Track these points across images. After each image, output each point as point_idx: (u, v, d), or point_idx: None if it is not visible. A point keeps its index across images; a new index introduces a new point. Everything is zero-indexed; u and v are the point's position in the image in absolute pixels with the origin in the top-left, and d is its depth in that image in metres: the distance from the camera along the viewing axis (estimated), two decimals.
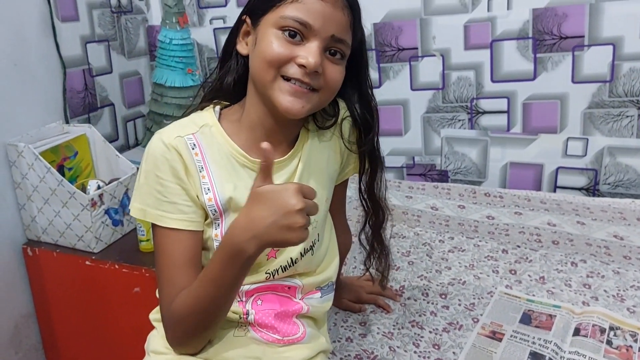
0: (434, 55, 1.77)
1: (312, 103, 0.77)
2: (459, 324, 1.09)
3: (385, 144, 1.86)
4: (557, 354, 0.99)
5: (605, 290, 1.18)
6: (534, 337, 1.04)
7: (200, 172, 0.79)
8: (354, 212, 1.21)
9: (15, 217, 1.43)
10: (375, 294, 1.16)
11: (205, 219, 0.81)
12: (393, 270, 1.27)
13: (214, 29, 2.00)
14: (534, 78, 1.69)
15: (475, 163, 1.84)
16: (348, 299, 1.14)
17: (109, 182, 1.42)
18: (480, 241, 1.40)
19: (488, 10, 1.68)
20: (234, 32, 0.84)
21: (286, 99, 0.76)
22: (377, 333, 1.07)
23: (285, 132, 0.85)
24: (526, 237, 1.42)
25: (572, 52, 1.63)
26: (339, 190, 0.99)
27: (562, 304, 1.14)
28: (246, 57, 0.82)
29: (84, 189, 1.38)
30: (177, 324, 0.78)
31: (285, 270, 0.85)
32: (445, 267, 1.30)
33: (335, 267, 0.94)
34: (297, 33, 0.75)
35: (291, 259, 0.84)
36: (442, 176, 1.89)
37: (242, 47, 0.83)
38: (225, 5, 1.95)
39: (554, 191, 1.76)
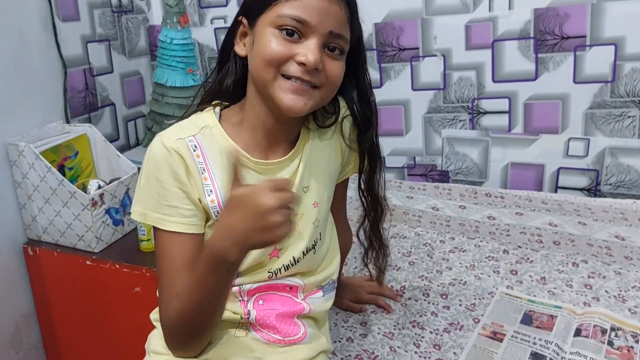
0: (435, 56, 1.76)
1: (314, 100, 0.77)
2: (459, 325, 1.09)
3: (386, 144, 1.87)
4: (558, 354, 0.98)
5: (606, 291, 1.18)
6: (534, 338, 1.03)
7: (202, 173, 0.79)
8: (355, 213, 1.20)
9: (16, 216, 1.43)
10: (375, 294, 1.16)
11: (207, 221, 0.81)
12: (394, 271, 1.27)
13: (215, 29, 2.00)
14: (536, 78, 1.69)
15: (477, 163, 1.83)
16: (348, 299, 1.14)
17: (110, 182, 1.42)
18: (481, 241, 1.40)
19: (489, 10, 1.67)
20: (231, 34, 0.83)
21: (288, 97, 0.75)
22: (378, 333, 1.06)
23: (286, 131, 0.84)
24: (527, 238, 1.42)
25: (573, 52, 1.63)
26: (340, 189, 0.99)
27: (563, 304, 1.14)
28: (244, 59, 0.82)
29: (84, 188, 1.38)
30: (172, 328, 0.78)
31: (287, 269, 0.84)
32: (446, 268, 1.29)
33: (337, 265, 0.94)
34: (294, 31, 0.74)
35: (294, 257, 0.84)
36: (443, 176, 1.88)
37: (240, 49, 0.82)
38: (226, 5, 1.95)
39: (555, 191, 1.75)
